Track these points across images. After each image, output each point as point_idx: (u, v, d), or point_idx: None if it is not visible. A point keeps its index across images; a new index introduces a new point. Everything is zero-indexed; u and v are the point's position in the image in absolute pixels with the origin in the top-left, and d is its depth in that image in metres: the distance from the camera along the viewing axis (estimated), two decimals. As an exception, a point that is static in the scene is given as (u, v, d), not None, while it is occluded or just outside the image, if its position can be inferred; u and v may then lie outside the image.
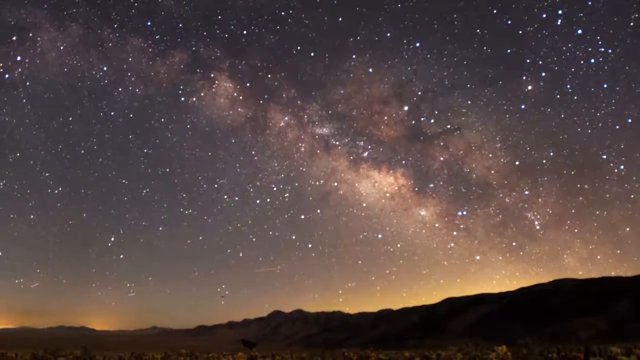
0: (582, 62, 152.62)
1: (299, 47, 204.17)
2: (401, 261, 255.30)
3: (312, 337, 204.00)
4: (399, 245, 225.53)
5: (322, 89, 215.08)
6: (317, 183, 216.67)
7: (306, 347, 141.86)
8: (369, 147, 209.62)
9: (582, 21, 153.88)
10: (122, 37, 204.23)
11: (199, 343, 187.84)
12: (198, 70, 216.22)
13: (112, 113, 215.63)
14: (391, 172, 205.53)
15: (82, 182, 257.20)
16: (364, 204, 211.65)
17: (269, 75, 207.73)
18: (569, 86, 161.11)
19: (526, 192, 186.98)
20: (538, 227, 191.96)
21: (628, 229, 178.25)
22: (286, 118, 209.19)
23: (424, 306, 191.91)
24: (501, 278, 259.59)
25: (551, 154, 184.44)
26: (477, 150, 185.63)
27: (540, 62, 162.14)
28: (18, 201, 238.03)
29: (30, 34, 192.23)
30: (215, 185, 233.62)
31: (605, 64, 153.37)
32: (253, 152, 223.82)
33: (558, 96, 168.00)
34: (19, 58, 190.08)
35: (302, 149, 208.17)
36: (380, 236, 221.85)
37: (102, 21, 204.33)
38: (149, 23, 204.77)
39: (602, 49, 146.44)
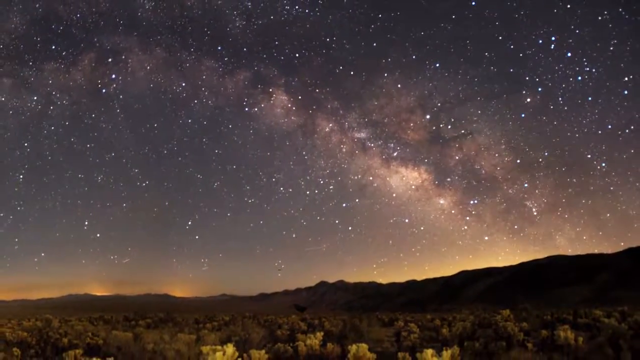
0: (571, 79, 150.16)
1: (341, 67, 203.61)
2: (424, 241, 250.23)
3: (352, 303, 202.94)
4: (422, 228, 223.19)
5: (360, 101, 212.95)
6: (356, 177, 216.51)
7: (347, 310, 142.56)
8: (398, 148, 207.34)
9: (571, 46, 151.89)
10: (198, 59, 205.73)
11: (260, 307, 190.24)
12: (259, 86, 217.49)
13: (189, 120, 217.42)
14: (416, 168, 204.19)
15: (165, 177, 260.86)
16: (394, 195, 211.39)
17: (317, 90, 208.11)
18: (560, 99, 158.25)
19: (526, 185, 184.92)
20: (535, 213, 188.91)
21: (608, 215, 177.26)
22: (330, 125, 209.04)
23: (442, 277, 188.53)
24: (505, 254, 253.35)
25: (546, 154, 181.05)
26: (485, 150, 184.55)
27: (537, 79, 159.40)
28: (113, 192, 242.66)
29: (123, 57, 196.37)
30: (273, 179, 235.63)
31: (589, 80, 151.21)
32: (304, 153, 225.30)
33: (551, 107, 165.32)
34: (113, 76, 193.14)
35: (344, 150, 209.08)
36: (407, 220, 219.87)
37: (181, 46, 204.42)
38: (219, 47, 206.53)
39: (587, 69, 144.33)
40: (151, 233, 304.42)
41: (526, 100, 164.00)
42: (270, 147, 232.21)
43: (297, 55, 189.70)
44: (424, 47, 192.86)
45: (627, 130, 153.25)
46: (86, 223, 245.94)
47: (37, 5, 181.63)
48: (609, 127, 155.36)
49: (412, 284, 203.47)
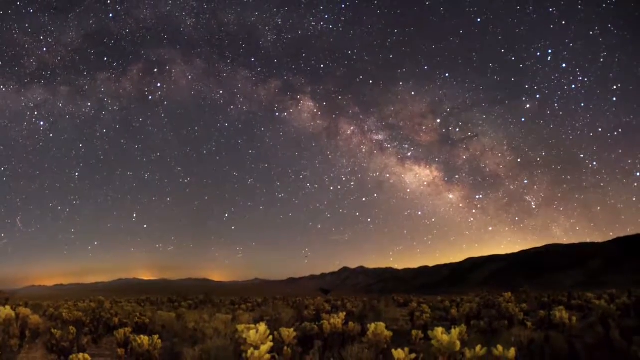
0: (565, 87, 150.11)
1: (361, 77, 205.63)
2: (435, 231, 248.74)
3: (371, 286, 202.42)
4: (433, 220, 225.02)
5: (378, 106, 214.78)
6: (375, 175, 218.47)
7: (366, 293, 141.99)
8: (412, 148, 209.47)
9: (566, 58, 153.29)
10: (234, 69, 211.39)
11: (289, 290, 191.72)
12: (288, 93, 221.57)
13: (226, 124, 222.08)
14: (428, 166, 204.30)
15: (205, 174, 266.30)
16: (408, 190, 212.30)
17: (340, 97, 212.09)
18: (556, 105, 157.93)
19: (525, 181, 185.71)
20: (534, 207, 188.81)
21: (599, 208, 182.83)
22: (352, 128, 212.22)
23: (451, 264, 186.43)
24: (507, 243, 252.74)
25: (543, 153, 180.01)
26: (489, 151, 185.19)
27: (536, 87, 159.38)
28: (158, 188, 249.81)
29: (167, 67, 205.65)
30: (301, 176, 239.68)
31: (582, 89, 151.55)
32: (328, 153, 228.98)
33: (548, 112, 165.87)
34: (158, 84, 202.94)
35: (363, 150, 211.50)
36: (420, 213, 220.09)
37: (219, 58, 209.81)
38: (252, 59, 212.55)
39: (580, 78, 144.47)
40: (192, 224, 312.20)
41: (526, 106, 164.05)
42: (298, 147, 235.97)
43: (322, 66, 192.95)
44: (435, 59, 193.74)
45: (615, 133, 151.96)
46: (134, 215, 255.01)
47: (90, 22, 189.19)
48: (600, 130, 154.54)
49: (424, 270, 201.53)
